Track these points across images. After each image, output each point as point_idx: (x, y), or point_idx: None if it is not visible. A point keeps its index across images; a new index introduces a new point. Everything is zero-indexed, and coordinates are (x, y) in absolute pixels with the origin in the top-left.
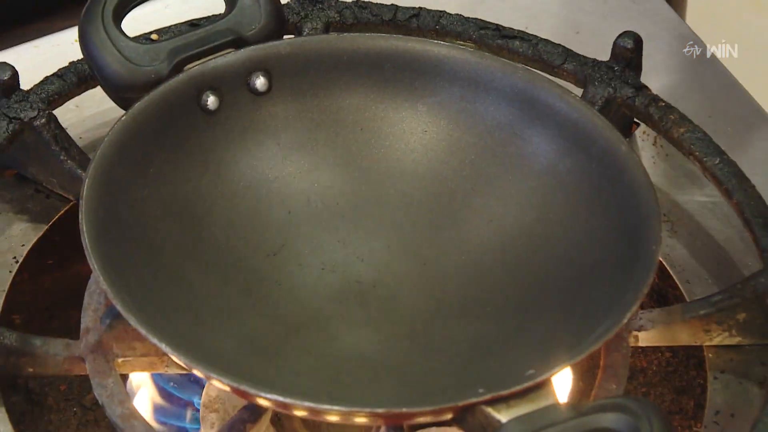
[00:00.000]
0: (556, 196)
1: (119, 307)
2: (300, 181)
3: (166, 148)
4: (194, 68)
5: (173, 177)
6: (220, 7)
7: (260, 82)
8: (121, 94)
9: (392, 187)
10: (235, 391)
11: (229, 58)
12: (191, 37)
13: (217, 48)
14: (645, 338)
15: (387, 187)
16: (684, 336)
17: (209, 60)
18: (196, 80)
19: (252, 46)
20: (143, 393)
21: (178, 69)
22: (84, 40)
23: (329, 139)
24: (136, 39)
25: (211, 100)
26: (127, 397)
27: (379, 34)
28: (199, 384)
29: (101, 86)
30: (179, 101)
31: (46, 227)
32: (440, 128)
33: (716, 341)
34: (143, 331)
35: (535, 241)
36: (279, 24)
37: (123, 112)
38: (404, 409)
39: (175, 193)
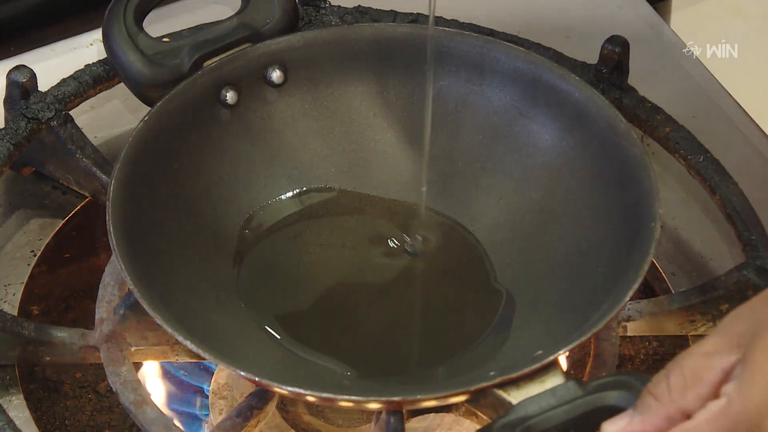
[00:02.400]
0: (561, 172)
1: (148, 309)
2: (317, 167)
3: (189, 143)
4: (213, 64)
5: (196, 169)
6: (235, 9)
7: (276, 75)
8: (144, 91)
9: (405, 169)
10: (247, 378)
11: (245, 53)
12: (209, 34)
13: (234, 44)
14: (633, 328)
15: (401, 169)
16: (670, 326)
17: (227, 56)
18: (215, 76)
19: (267, 41)
20: (155, 380)
21: (197, 65)
22: (107, 40)
23: (344, 126)
24: (156, 38)
25: (231, 95)
26: (139, 384)
27: (388, 24)
28: (208, 371)
29: (125, 83)
30: (200, 98)
31: (63, 222)
32: (449, 110)
33: (701, 331)
34: (169, 329)
35: (542, 218)
36: (293, 18)
37: (137, 111)
38: (419, 396)
39: (196, 185)
